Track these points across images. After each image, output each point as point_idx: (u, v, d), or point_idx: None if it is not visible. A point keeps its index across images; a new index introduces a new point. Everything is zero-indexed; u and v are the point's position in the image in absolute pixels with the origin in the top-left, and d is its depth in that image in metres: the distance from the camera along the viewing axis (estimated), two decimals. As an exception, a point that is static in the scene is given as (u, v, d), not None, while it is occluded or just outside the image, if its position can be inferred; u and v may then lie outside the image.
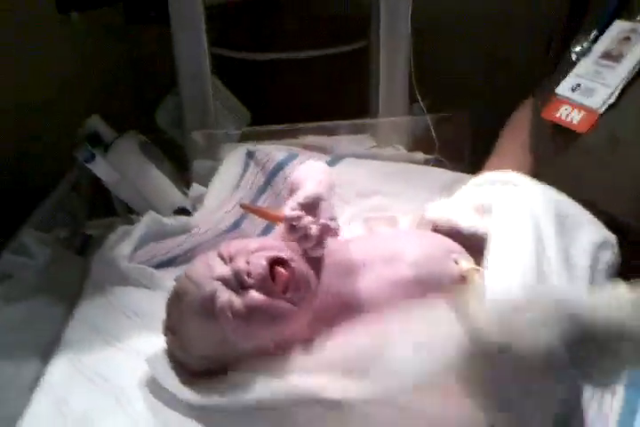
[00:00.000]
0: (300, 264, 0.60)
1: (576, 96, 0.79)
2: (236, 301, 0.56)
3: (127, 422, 0.57)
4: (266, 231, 1.00)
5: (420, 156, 1.26)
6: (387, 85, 1.27)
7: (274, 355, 0.59)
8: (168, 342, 0.63)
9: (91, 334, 0.72)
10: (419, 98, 1.28)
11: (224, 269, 0.58)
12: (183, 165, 1.21)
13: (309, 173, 0.67)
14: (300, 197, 0.62)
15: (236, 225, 0.98)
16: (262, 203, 1.03)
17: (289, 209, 0.61)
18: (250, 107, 1.33)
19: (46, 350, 0.69)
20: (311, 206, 0.61)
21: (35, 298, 0.77)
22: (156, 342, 0.65)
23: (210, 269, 0.59)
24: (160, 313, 0.72)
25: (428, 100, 1.28)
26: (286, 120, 1.29)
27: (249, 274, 0.56)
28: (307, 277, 0.59)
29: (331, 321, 0.61)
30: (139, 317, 0.75)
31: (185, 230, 0.93)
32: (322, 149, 1.21)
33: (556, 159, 0.81)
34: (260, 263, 0.57)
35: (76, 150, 0.92)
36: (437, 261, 0.64)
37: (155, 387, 0.61)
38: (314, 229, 0.59)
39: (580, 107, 0.78)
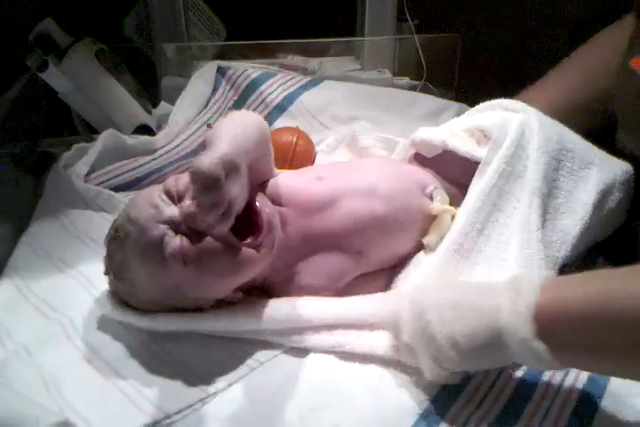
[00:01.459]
0: (262, 203, 0.54)
1: None
2: (189, 247, 0.49)
3: (72, 355, 0.53)
4: (236, 155, 0.94)
5: (405, 81, 1.20)
6: (375, 2, 1.18)
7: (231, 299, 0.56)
8: (111, 284, 0.57)
9: (41, 259, 0.67)
10: (408, 17, 1.20)
11: (173, 211, 0.51)
12: (152, 82, 1.13)
13: (224, 129, 0.54)
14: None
15: (203, 147, 0.92)
16: (234, 124, 0.97)
17: (185, 203, 0.49)
18: (226, 21, 1.23)
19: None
20: (211, 185, 0.47)
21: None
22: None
23: (156, 211, 0.51)
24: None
25: (418, 21, 1.20)
26: (265, 38, 1.20)
27: (203, 218, 0.49)
28: (269, 218, 0.53)
29: (296, 260, 0.58)
30: (95, 243, 0.69)
31: (147, 151, 0.86)
32: (302, 70, 1.14)
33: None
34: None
35: (28, 57, 0.83)
36: (411, 197, 0.61)
37: (105, 319, 0.57)
38: (216, 227, 0.49)
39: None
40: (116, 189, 0.81)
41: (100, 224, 0.73)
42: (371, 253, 0.59)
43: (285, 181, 0.61)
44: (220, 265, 0.50)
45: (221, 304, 0.56)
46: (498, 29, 1.25)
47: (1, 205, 0.73)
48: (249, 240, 0.52)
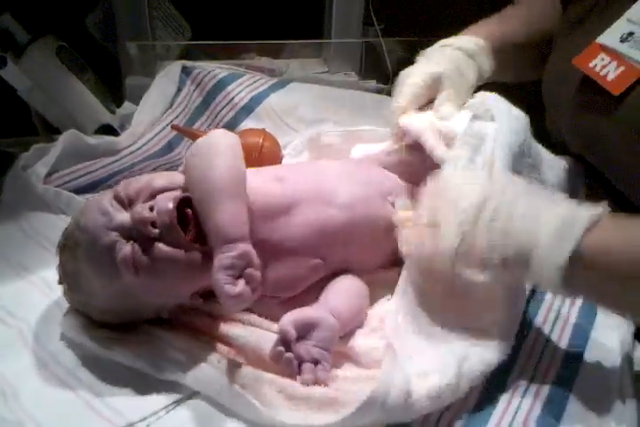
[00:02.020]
0: None
1: (624, 48, 0.60)
2: (140, 254, 0.48)
3: (29, 360, 0.52)
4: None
5: (372, 84, 1.20)
6: (341, 5, 1.18)
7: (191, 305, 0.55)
8: (65, 295, 0.56)
9: (0, 265, 0.65)
10: (374, 21, 1.20)
11: (123, 217, 0.49)
12: (116, 81, 1.11)
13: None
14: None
15: (168, 148, 0.91)
16: (200, 124, 0.96)
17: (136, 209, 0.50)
18: (191, 22, 1.22)
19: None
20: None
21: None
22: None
23: (106, 217, 0.50)
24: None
25: (384, 25, 1.21)
26: (231, 39, 1.19)
27: (154, 223, 0.48)
28: None
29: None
30: (54, 246, 0.67)
31: (111, 152, 0.84)
32: (269, 72, 1.14)
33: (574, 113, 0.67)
34: (165, 209, 0.48)
35: (-16, 54, 0.80)
36: (372, 205, 0.59)
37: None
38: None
39: (623, 61, 0.60)
40: (78, 190, 0.79)
41: (60, 227, 0.70)
42: (334, 260, 0.58)
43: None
44: (172, 271, 0.49)
45: (185, 312, 0.55)
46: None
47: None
48: (197, 246, 0.50)
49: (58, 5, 1.07)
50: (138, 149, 0.86)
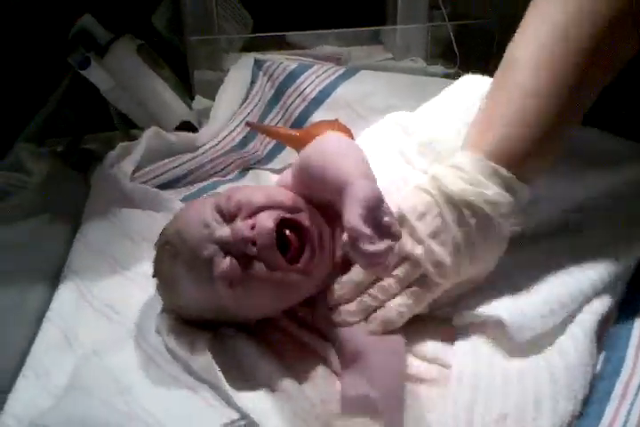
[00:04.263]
0: (312, 226, 0.52)
1: None
2: (236, 270, 0.48)
3: (139, 356, 0.54)
4: (275, 150, 0.93)
5: (438, 68, 1.18)
6: (407, -11, 1.16)
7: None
8: (158, 289, 0.57)
9: (97, 260, 0.67)
10: (440, 4, 1.17)
11: (224, 232, 0.49)
12: (182, 75, 1.12)
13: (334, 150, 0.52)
14: (358, 204, 0.45)
15: (243, 144, 0.92)
16: (273, 117, 0.96)
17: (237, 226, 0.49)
18: (252, 12, 1.21)
19: (51, 275, 0.65)
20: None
21: (34, 218, 0.71)
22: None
23: (207, 229, 0.50)
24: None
25: (451, 8, 1.18)
26: (292, 29, 1.19)
27: (254, 242, 0.48)
28: (320, 242, 0.52)
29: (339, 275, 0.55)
30: (146, 241, 0.69)
31: (190, 148, 0.86)
32: (334, 61, 1.13)
33: None
34: (266, 230, 0.48)
35: (70, 55, 0.82)
36: None
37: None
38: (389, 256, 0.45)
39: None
40: (161, 186, 0.81)
41: (149, 223, 0.73)
42: None
43: None
44: (266, 290, 0.50)
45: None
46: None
47: (53, 204, 0.73)
48: (299, 265, 0.50)
49: (127, 3, 1.09)
50: (216, 145, 0.88)
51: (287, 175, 0.57)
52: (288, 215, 0.51)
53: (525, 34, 0.54)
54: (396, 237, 0.46)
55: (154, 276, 0.56)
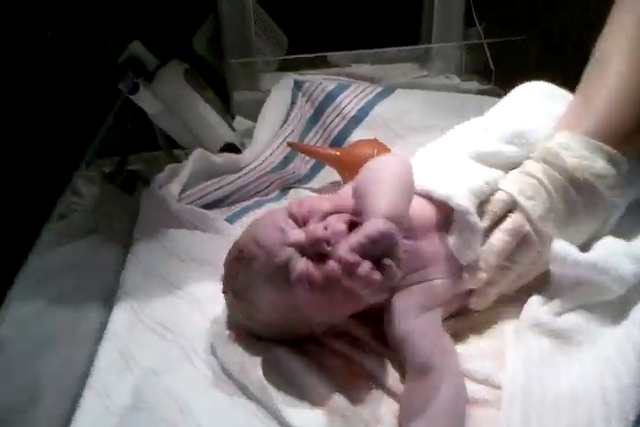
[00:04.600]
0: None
1: None
2: (315, 271, 0.50)
3: (195, 375, 0.55)
4: (315, 169, 0.95)
5: (473, 85, 1.19)
6: (441, 7, 1.17)
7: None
8: (228, 303, 0.59)
9: (148, 280, 0.69)
10: (476, 21, 1.18)
11: (299, 235, 0.51)
12: (222, 96, 1.15)
13: (382, 177, 0.54)
14: (362, 234, 0.48)
15: (285, 162, 0.94)
16: (312, 136, 0.98)
17: (346, 250, 0.48)
18: (287, 32, 1.24)
19: (103, 295, 0.67)
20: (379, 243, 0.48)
21: (87, 238, 0.73)
22: (215, 290, 0.60)
23: (282, 234, 0.52)
24: (215, 257, 0.69)
25: (486, 24, 1.19)
26: (326, 49, 1.21)
27: (328, 242, 0.50)
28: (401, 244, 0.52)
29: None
30: (195, 261, 0.71)
31: (234, 169, 0.88)
32: (370, 79, 1.14)
33: None
34: (339, 229, 0.50)
35: (120, 81, 0.85)
36: None
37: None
38: (376, 276, 0.47)
39: None
40: (206, 207, 0.84)
41: (197, 243, 0.75)
42: None
43: None
44: (342, 290, 0.50)
45: (333, 331, 0.56)
46: (570, 28, 1.21)
47: (105, 225, 0.76)
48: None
49: (171, 28, 1.12)
50: (259, 166, 0.90)
51: (348, 190, 0.59)
52: (355, 219, 0.52)
53: (612, 28, 0.61)
54: (389, 278, 0.47)
55: (224, 291, 0.58)
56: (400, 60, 1.25)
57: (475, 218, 0.55)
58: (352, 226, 0.51)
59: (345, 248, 0.48)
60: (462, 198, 0.56)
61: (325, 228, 0.51)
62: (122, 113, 0.89)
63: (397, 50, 1.19)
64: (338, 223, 0.51)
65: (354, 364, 0.54)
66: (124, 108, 0.89)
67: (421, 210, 0.58)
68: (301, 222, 0.53)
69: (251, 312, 0.56)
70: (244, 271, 0.55)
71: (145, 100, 0.86)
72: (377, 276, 0.47)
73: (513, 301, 0.59)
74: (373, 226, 0.48)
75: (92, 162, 0.80)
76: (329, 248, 0.50)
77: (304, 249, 0.51)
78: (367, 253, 0.47)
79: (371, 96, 1.01)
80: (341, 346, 0.56)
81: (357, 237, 0.48)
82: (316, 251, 0.50)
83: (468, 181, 0.58)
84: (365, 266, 0.47)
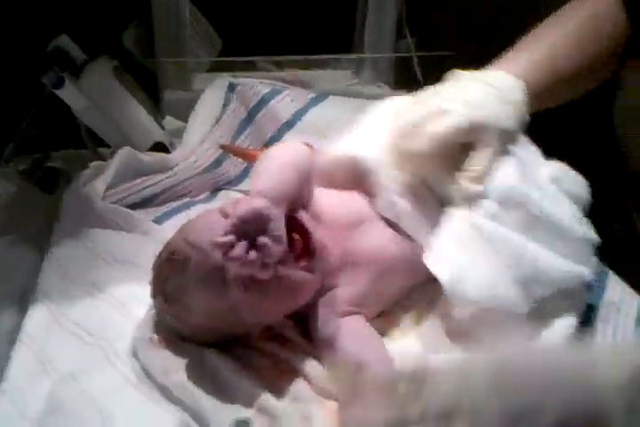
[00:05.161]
0: (310, 224, 0.54)
1: None
2: (251, 260, 0.48)
3: (116, 378, 0.53)
4: (246, 172, 0.95)
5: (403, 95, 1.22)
6: (374, 18, 1.19)
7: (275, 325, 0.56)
8: (157, 307, 0.57)
9: (67, 281, 0.66)
10: (407, 34, 1.22)
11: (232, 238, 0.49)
12: (151, 95, 1.12)
13: (270, 162, 0.56)
14: (233, 215, 0.48)
15: (217, 164, 0.92)
16: (244, 139, 0.97)
17: (220, 234, 0.48)
18: (221, 34, 1.23)
19: (21, 297, 0.64)
20: (256, 221, 0.48)
21: (1, 238, 0.70)
22: (140, 292, 0.60)
23: (216, 235, 0.50)
24: (140, 259, 0.67)
25: (417, 38, 1.22)
26: (260, 52, 1.20)
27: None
28: (322, 240, 0.54)
29: (333, 279, 0.58)
30: (118, 262, 0.69)
31: (162, 168, 0.86)
32: (303, 84, 1.15)
33: None
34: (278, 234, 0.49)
35: (44, 75, 0.82)
36: None
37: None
38: (252, 256, 0.48)
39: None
40: (132, 206, 0.81)
41: (122, 244, 0.73)
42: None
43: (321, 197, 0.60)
44: (279, 288, 0.51)
45: (269, 333, 0.56)
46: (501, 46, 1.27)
47: (20, 225, 0.72)
48: (304, 263, 0.53)
49: (101, 23, 1.09)
50: (189, 166, 0.88)
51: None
52: (290, 214, 0.52)
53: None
54: (268, 256, 0.48)
55: (153, 296, 0.56)
56: (331, 67, 1.27)
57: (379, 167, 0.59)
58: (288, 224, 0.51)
59: (219, 233, 0.48)
60: (371, 152, 0.59)
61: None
62: (44, 108, 0.85)
63: (328, 57, 1.20)
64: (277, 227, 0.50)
65: (283, 363, 0.54)
66: (46, 104, 0.85)
67: (351, 202, 0.60)
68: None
69: (182, 315, 0.54)
70: (176, 273, 0.53)
71: (70, 95, 0.83)
72: (252, 255, 0.47)
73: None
74: (242, 206, 0.48)
75: (10, 158, 0.76)
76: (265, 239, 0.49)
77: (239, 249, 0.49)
78: (240, 233, 0.47)
79: (304, 102, 1.01)
80: (270, 346, 0.56)
81: (230, 218, 0.48)
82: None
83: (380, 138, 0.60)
84: (239, 247, 0.47)
